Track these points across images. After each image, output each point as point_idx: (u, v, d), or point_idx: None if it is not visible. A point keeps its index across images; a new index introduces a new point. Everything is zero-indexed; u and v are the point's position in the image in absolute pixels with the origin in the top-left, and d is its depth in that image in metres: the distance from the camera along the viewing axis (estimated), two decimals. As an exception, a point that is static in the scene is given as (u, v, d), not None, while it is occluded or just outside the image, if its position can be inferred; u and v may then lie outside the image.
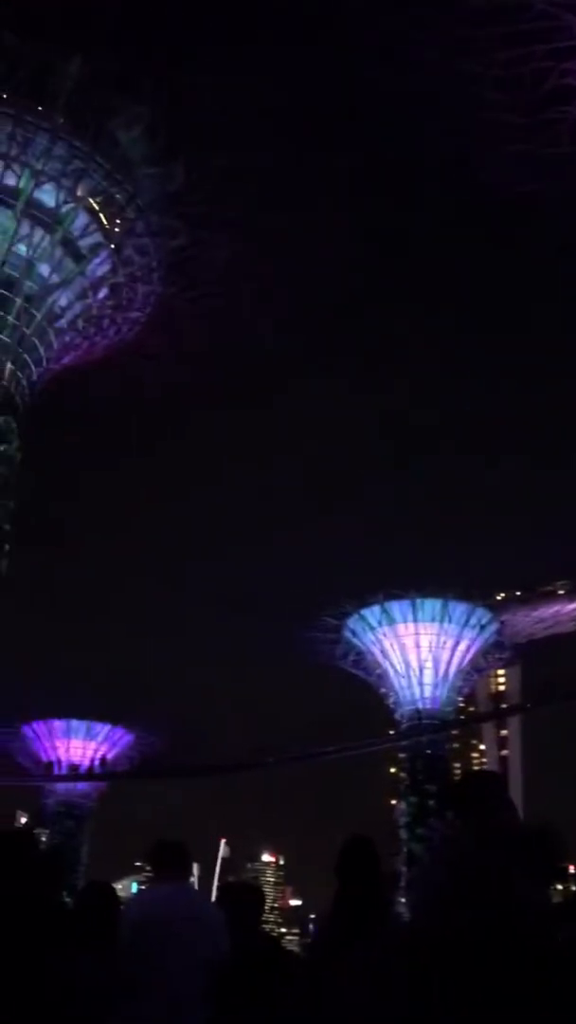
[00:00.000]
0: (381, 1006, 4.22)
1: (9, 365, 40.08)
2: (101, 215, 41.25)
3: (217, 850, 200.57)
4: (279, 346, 50.76)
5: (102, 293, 43.43)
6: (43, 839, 63.61)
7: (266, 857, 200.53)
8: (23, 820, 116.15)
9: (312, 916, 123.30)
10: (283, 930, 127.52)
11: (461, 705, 70.05)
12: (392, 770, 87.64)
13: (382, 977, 4.29)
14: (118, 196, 40.77)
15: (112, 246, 42.02)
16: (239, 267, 42.63)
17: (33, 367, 41.67)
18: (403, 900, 49.49)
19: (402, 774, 64.65)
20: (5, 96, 37.05)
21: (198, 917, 5.94)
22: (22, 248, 39.75)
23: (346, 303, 57.13)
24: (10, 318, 39.71)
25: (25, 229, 39.60)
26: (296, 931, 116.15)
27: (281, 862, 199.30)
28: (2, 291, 39.63)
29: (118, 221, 41.58)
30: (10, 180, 38.77)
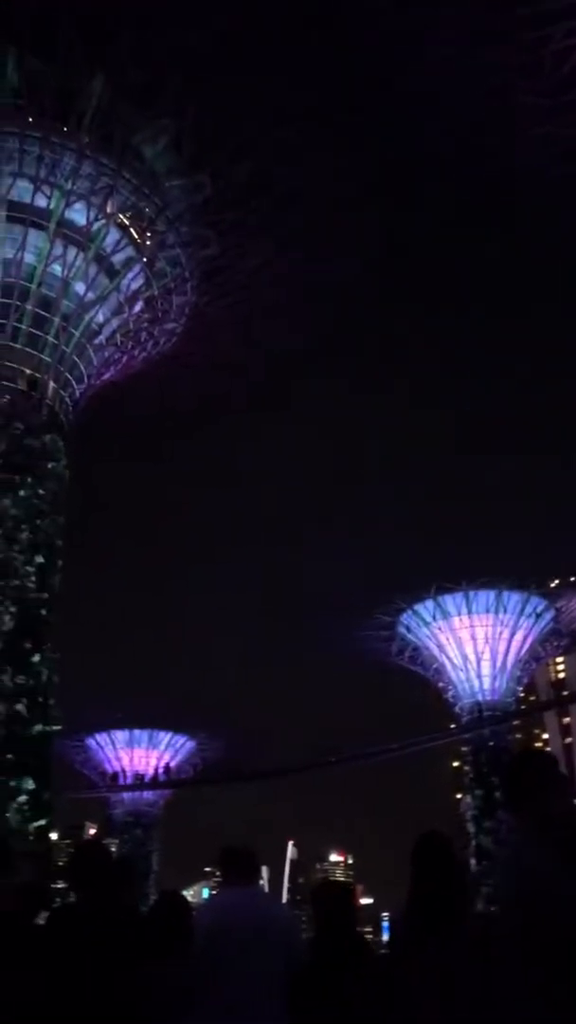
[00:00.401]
0: (453, 1006, 4.23)
1: (52, 384, 40.59)
2: (132, 230, 41.63)
3: (285, 852, 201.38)
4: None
5: (137, 307, 43.81)
6: (113, 849, 64.31)
7: (334, 857, 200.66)
8: (92, 831, 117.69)
9: (385, 914, 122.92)
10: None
11: (521, 695, 69.20)
12: (455, 764, 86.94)
13: (454, 977, 4.29)
14: (147, 210, 41.12)
15: (144, 259, 42.38)
16: (259, 272, 42.80)
17: (75, 384, 42.16)
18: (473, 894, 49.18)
19: (466, 768, 64.10)
20: (32, 120, 37.63)
21: (266, 920, 6.02)
22: (57, 268, 40.26)
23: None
24: (49, 338, 40.21)
25: (58, 249, 40.10)
26: (369, 929, 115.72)
27: (350, 861, 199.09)
28: (39, 311, 40.17)
29: (149, 234, 41.94)
30: (41, 202, 39.31)
